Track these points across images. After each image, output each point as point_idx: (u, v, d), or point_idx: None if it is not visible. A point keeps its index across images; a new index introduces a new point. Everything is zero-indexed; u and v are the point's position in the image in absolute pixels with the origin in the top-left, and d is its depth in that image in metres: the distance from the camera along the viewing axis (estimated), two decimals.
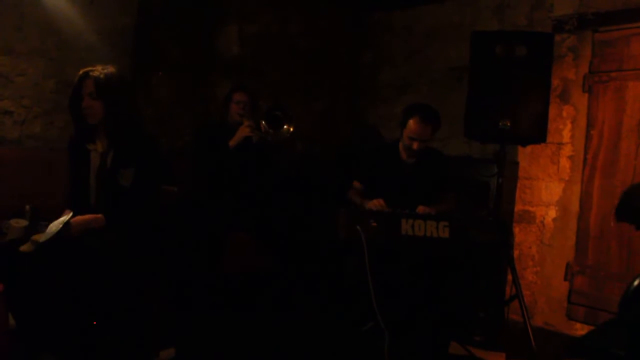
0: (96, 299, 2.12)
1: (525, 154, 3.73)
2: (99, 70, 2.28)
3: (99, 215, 2.24)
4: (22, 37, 2.92)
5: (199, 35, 3.80)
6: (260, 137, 3.28)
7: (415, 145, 2.93)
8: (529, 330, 2.70)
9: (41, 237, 2.11)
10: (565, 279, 3.57)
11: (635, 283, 1.91)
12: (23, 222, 2.67)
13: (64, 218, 2.16)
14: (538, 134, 2.96)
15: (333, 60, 4.72)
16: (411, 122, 2.93)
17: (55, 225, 2.13)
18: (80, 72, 2.30)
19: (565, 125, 3.58)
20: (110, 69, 2.31)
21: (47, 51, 3.01)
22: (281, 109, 3.35)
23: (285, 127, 3.31)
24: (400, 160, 3.08)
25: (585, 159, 3.53)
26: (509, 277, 3.07)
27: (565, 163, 3.59)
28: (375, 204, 2.81)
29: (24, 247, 2.13)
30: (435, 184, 3.08)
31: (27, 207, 2.78)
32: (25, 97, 2.96)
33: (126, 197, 2.30)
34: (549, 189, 3.64)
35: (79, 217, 2.20)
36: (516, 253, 3.72)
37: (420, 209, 2.82)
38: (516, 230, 3.75)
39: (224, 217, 3.26)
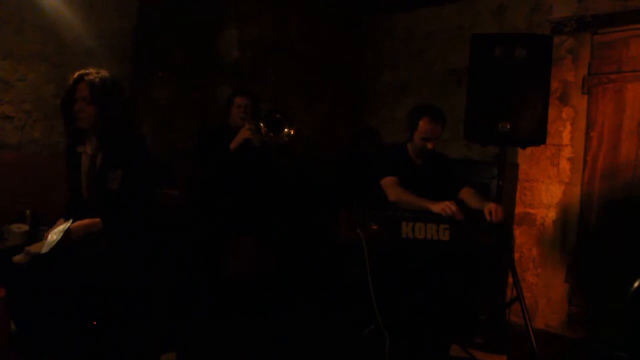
0: (97, 303, 2.12)
1: (525, 156, 3.73)
2: (94, 75, 2.25)
3: (97, 220, 2.24)
4: (23, 41, 2.92)
5: (199, 38, 3.81)
6: (261, 140, 3.27)
7: (430, 145, 2.94)
8: (530, 333, 2.70)
9: (42, 248, 2.10)
10: (566, 281, 3.57)
11: (635, 285, 1.91)
12: (24, 227, 2.67)
13: (63, 226, 2.16)
14: (538, 136, 2.96)
15: (333, 63, 4.72)
16: (422, 123, 2.92)
17: (56, 234, 2.12)
18: (75, 74, 2.27)
19: (565, 127, 3.59)
20: (103, 73, 2.28)
21: (47, 56, 3.02)
22: (281, 111, 3.35)
23: (285, 130, 3.30)
24: (411, 162, 3.09)
25: (585, 161, 3.53)
26: (510, 279, 3.06)
27: (565, 165, 3.59)
28: (450, 206, 2.64)
29: (18, 258, 2.13)
30: (445, 183, 3.07)
31: (28, 212, 2.78)
32: (25, 102, 2.96)
33: (116, 200, 2.28)
34: (549, 190, 3.65)
35: (77, 223, 2.20)
36: (517, 255, 3.72)
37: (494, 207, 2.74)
38: (517, 232, 3.75)
39: (224, 220, 3.26)
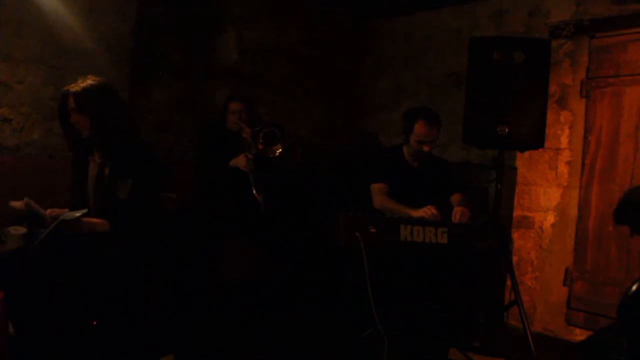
0: (96, 306, 2.12)
1: (523, 160, 3.74)
2: (78, 85, 2.28)
3: (105, 222, 2.26)
4: (22, 44, 2.93)
5: (198, 41, 3.81)
6: (258, 153, 3.30)
7: (426, 148, 2.94)
8: (529, 336, 2.70)
9: (66, 217, 2.13)
10: (564, 285, 3.57)
11: (634, 288, 1.91)
12: (21, 230, 2.66)
13: (81, 211, 2.18)
14: (536, 139, 2.97)
15: (332, 67, 4.73)
16: (417, 126, 2.93)
17: (77, 213, 2.16)
18: (63, 90, 2.31)
19: (563, 131, 3.59)
20: (88, 81, 2.29)
21: (46, 58, 3.02)
22: (280, 127, 3.37)
23: (277, 145, 3.34)
24: (407, 165, 3.09)
25: (583, 164, 3.53)
26: (508, 282, 3.07)
27: (563, 168, 3.59)
28: (427, 211, 2.70)
29: (17, 203, 2.21)
30: (441, 187, 3.08)
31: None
32: (24, 105, 2.96)
33: (124, 209, 2.30)
34: (548, 194, 3.65)
35: (87, 219, 2.22)
36: (515, 259, 3.72)
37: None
38: (515, 235, 3.75)
39: (223, 223, 3.26)
